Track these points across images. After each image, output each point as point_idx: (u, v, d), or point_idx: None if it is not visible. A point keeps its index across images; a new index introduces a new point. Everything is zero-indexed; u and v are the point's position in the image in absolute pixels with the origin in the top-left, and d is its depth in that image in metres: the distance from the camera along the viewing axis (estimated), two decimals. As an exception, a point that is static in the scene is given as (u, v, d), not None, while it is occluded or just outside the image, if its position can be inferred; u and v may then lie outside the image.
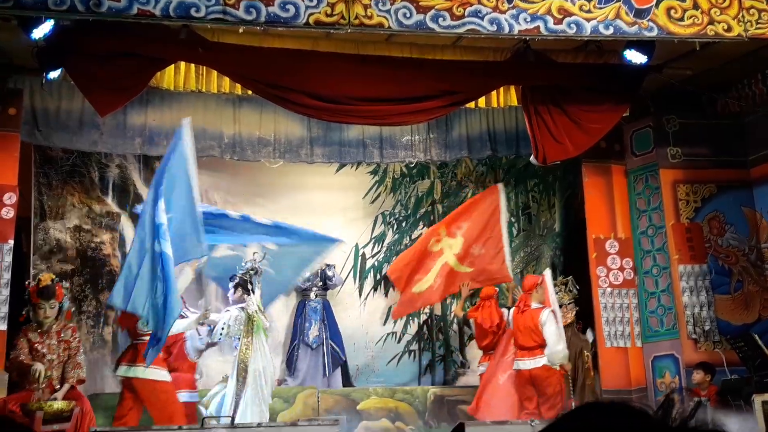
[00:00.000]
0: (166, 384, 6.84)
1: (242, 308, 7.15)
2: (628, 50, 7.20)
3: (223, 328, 7.13)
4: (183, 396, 7.14)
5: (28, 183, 8.06)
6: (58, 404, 6.11)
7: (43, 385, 6.21)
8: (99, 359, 8.25)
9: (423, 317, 9.56)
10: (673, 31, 6.78)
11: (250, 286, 7.23)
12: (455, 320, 9.62)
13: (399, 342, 9.49)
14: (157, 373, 6.73)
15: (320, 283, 8.96)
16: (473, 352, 9.47)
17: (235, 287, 7.32)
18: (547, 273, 7.77)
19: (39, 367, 6.21)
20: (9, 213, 7.18)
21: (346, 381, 9.04)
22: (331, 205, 9.45)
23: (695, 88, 8.02)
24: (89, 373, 7.25)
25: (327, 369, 8.72)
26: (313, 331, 8.78)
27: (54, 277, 6.81)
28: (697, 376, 7.53)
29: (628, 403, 1.26)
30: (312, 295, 8.95)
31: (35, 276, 7.87)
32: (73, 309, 7.64)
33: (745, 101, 8.38)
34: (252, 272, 7.33)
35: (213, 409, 7.00)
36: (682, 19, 6.79)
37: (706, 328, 8.03)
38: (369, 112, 7.23)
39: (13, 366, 6.43)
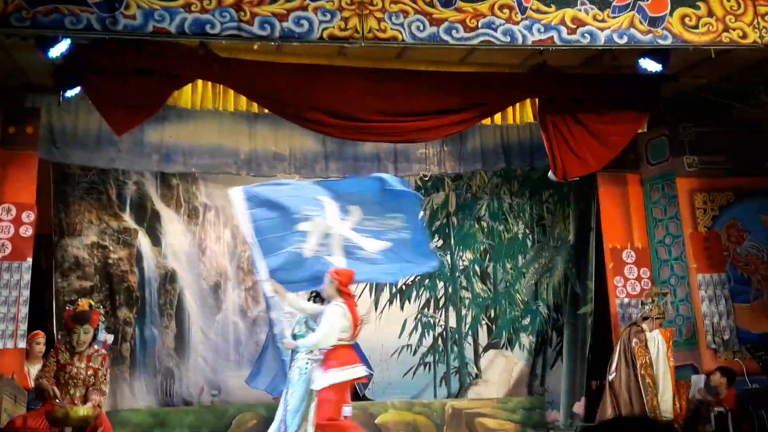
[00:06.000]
0: None
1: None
2: (642, 59, 7.18)
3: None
4: None
5: (47, 200, 8.11)
6: (84, 410, 6.14)
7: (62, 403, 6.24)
8: (118, 375, 8.25)
9: (438, 329, 9.53)
10: (688, 39, 6.77)
11: None
12: (470, 332, 9.59)
13: (414, 354, 9.46)
14: None
15: None
16: (487, 363, 9.44)
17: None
18: None
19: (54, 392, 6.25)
20: (27, 231, 7.22)
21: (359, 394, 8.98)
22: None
23: (711, 96, 7.98)
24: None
25: (360, 389, 8.64)
26: None
27: (92, 303, 6.84)
28: (715, 378, 7.50)
29: (655, 419, 1.25)
30: None
31: (58, 293, 7.92)
32: (110, 340, 7.61)
33: (761, 108, 8.34)
34: None
35: None
36: (696, 26, 6.77)
37: (726, 337, 7.97)
38: (386, 129, 7.21)
39: (35, 386, 6.49)
